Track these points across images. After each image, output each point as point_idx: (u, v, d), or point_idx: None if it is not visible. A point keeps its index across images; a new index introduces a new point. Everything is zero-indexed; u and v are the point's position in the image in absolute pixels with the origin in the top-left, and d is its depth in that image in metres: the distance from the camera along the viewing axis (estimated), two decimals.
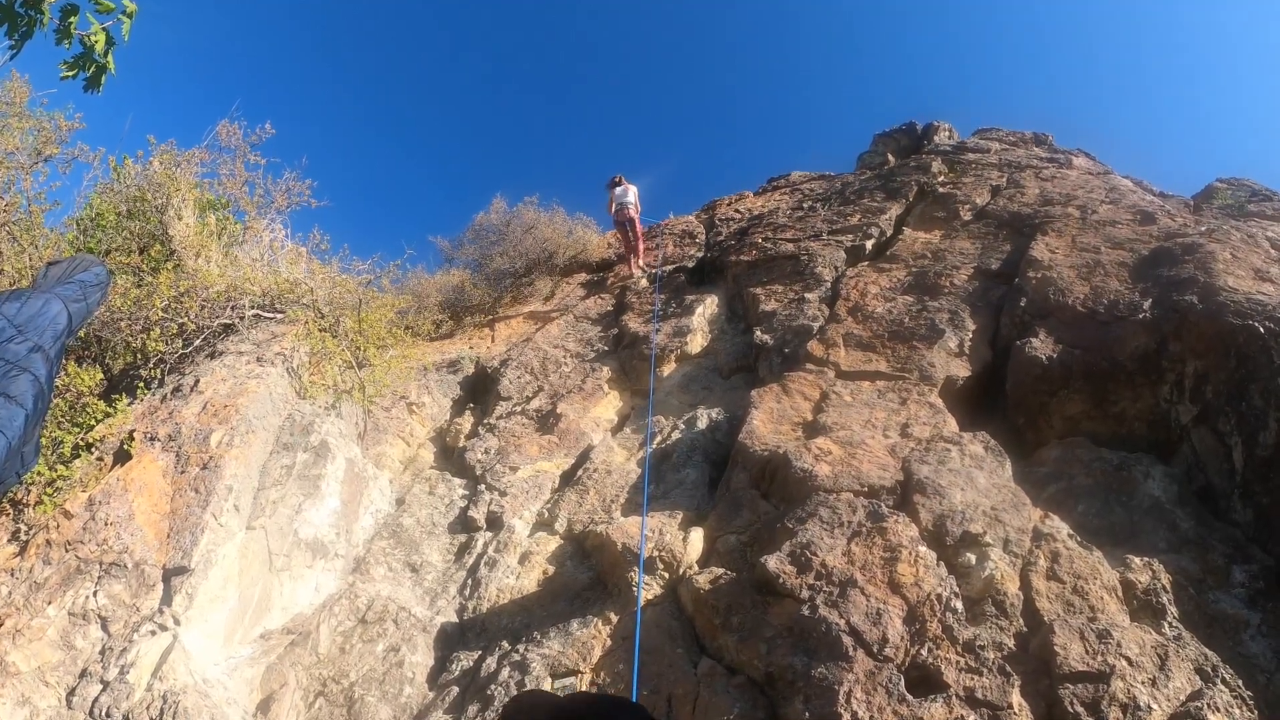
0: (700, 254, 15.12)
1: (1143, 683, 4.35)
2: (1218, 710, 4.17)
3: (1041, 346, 7.43)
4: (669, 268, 14.59)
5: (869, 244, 11.72)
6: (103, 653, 5.78)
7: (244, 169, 12.76)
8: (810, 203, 14.97)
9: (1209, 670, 4.52)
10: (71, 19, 3.76)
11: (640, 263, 15.63)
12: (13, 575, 5.98)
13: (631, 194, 15.83)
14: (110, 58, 3.98)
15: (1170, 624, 4.90)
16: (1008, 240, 9.98)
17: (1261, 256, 7.64)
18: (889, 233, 12.05)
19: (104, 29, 3.88)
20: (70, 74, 3.95)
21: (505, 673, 5.82)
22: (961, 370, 7.90)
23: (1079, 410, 7.05)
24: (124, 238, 10.63)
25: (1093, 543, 5.52)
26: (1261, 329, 6.12)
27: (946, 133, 18.31)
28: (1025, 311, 8.07)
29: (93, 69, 3.98)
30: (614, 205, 15.93)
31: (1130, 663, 4.46)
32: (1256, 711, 4.28)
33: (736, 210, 17.05)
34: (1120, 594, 5.08)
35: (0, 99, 10.00)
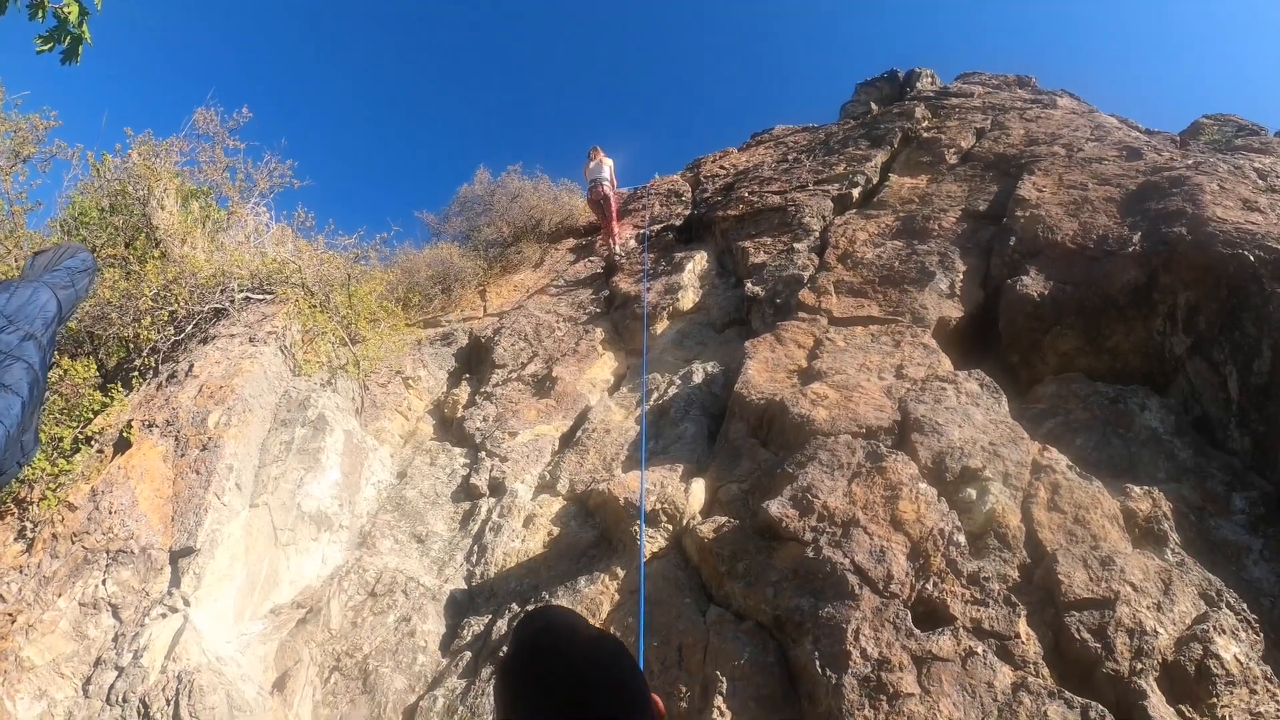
0: (687, 212, 15.06)
1: (1148, 608, 4.38)
2: (1224, 633, 4.20)
3: (1032, 284, 7.43)
4: (657, 227, 14.56)
5: (855, 192, 11.70)
6: (115, 639, 5.82)
7: (224, 155, 12.78)
8: (795, 155, 14.92)
9: (1213, 595, 4.56)
10: None
11: (616, 243, 14.75)
12: (21, 572, 6.00)
13: (606, 169, 15.13)
14: (85, 28, 3.96)
15: (1173, 550, 4.93)
16: (994, 182, 9.96)
17: (1249, 187, 7.62)
18: (875, 180, 12.03)
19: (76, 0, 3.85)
20: (46, 47, 3.93)
21: None
22: (954, 311, 7.91)
23: (1073, 346, 7.05)
24: (109, 233, 10.60)
25: (1092, 475, 5.54)
26: (1251, 257, 6.12)
27: (929, 79, 18.22)
28: (1015, 251, 8.06)
29: (68, 40, 3.95)
30: (588, 182, 15.35)
31: (1135, 588, 4.50)
32: (1262, 635, 4.31)
33: (721, 167, 16.99)
34: (1122, 522, 5.11)
35: None
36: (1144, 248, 7.05)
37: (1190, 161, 8.60)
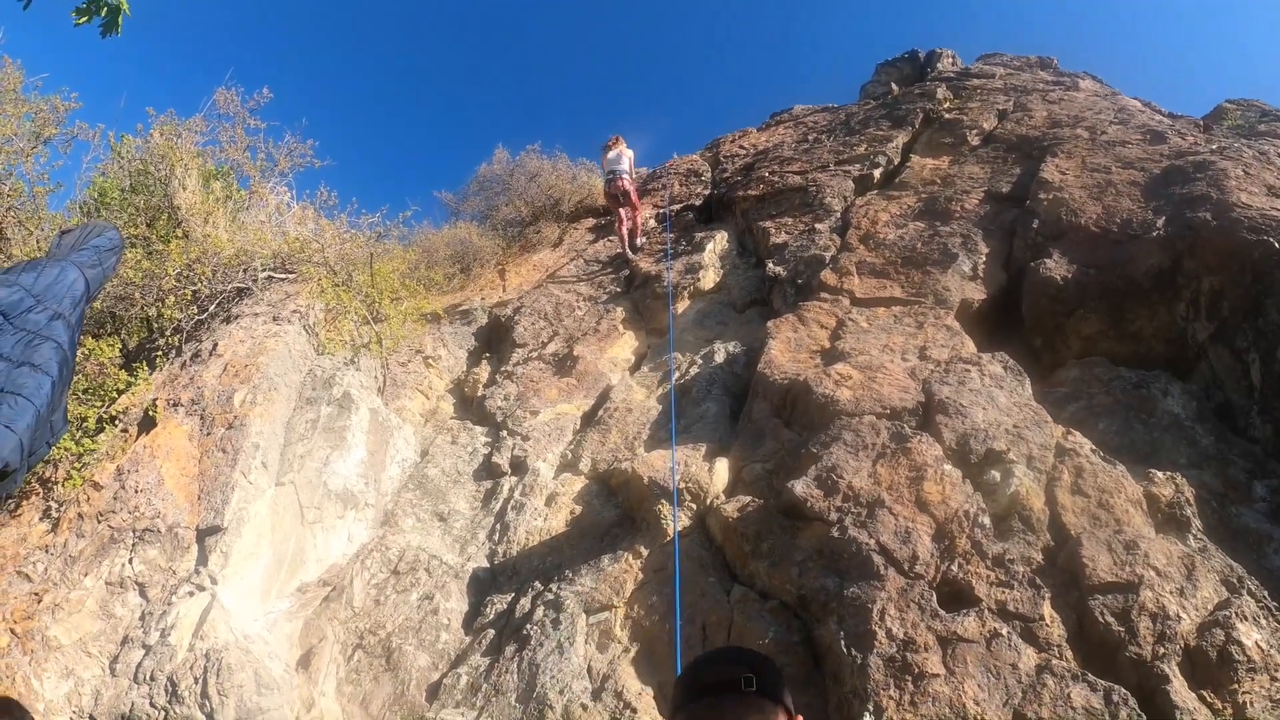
0: (707, 192, 14.98)
1: (1171, 592, 4.43)
2: (1246, 619, 4.25)
3: (1056, 267, 7.44)
4: (677, 206, 14.50)
5: (877, 173, 11.68)
6: (143, 618, 5.89)
7: (244, 135, 12.88)
8: (815, 135, 14.85)
9: (1235, 581, 4.61)
10: None
11: (638, 239, 13.35)
12: (47, 551, 6.06)
13: (626, 160, 13.74)
14: None
15: (1195, 536, 4.97)
16: (1017, 164, 9.93)
17: (1274, 174, 7.59)
18: (896, 161, 11.98)
19: None
20: (84, 19, 3.96)
21: (540, 612, 5.92)
22: (976, 293, 7.92)
23: (1096, 330, 7.07)
24: (130, 213, 10.68)
25: (1115, 459, 5.57)
26: (1276, 244, 6.14)
27: (950, 60, 18.08)
28: (1038, 233, 8.06)
29: (106, 11, 3.98)
30: (605, 172, 13.92)
31: (1158, 573, 4.55)
32: None
33: (741, 146, 16.92)
34: (1145, 507, 5.15)
35: None
36: (1168, 232, 7.05)
37: (1215, 146, 8.58)
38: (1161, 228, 7.14)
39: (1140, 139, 9.25)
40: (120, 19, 4.04)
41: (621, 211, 13.62)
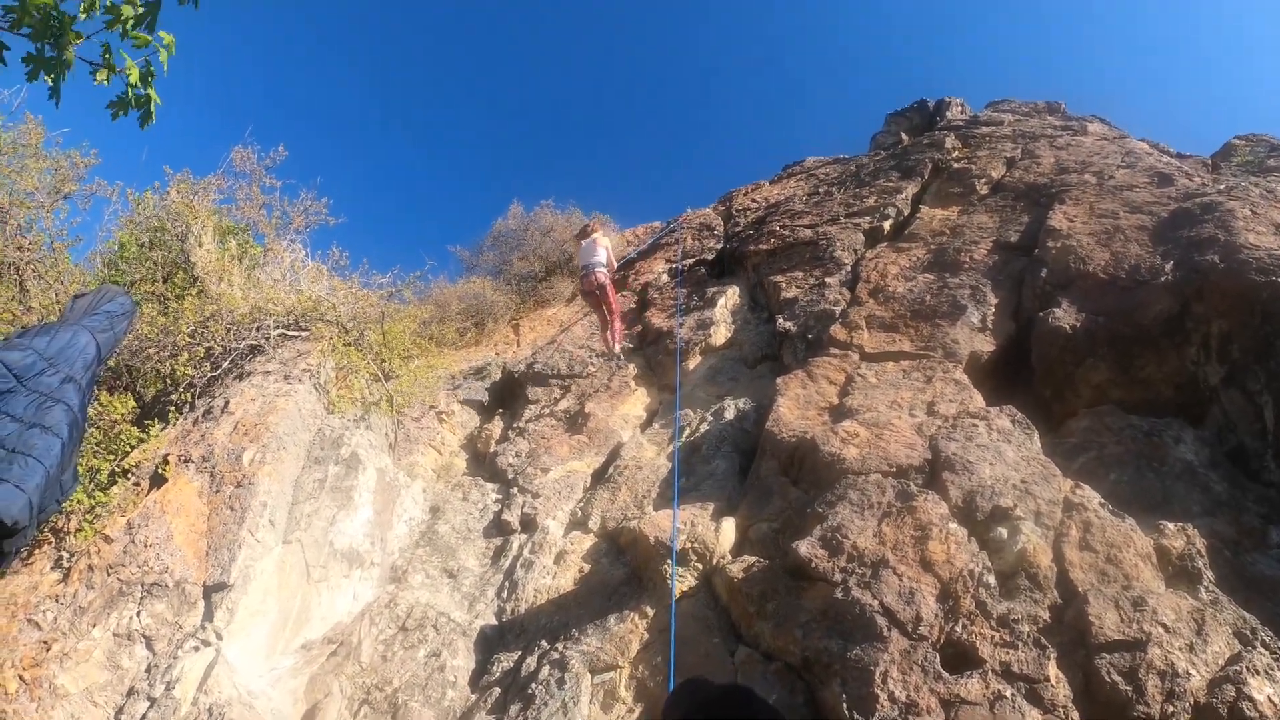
0: (719, 246, 15.01)
1: (1180, 649, 4.33)
2: (1258, 673, 4.14)
3: (1064, 316, 7.39)
4: (689, 261, 14.55)
5: (887, 224, 11.68)
6: (148, 670, 5.92)
7: (260, 192, 13.14)
8: (826, 187, 14.90)
9: (1248, 633, 4.50)
10: (107, 55, 3.84)
11: (616, 342, 12.21)
12: (57, 601, 6.12)
13: (602, 251, 12.85)
14: (153, 89, 4.06)
15: (1207, 588, 4.87)
16: (1026, 212, 9.91)
17: None
18: (906, 212, 11.99)
19: (144, 61, 3.96)
20: (120, 112, 4.03)
21: (545, 671, 5.88)
22: (986, 345, 7.86)
23: (1106, 378, 6.99)
24: (147, 267, 10.83)
25: (1126, 511, 5.48)
26: None
27: (958, 108, 18.16)
28: (1046, 282, 8.02)
29: (140, 104, 4.06)
30: (580, 265, 13.07)
31: (1167, 629, 4.45)
32: None
33: (753, 200, 16.98)
34: (1155, 560, 5.05)
35: (16, 141, 10.22)
36: (1176, 276, 7.00)
37: (1222, 186, 8.54)
38: (1170, 272, 7.09)
39: (1148, 182, 9.21)
40: (153, 108, 4.11)
41: (601, 310, 12.69)
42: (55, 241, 10.00)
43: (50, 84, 3.72)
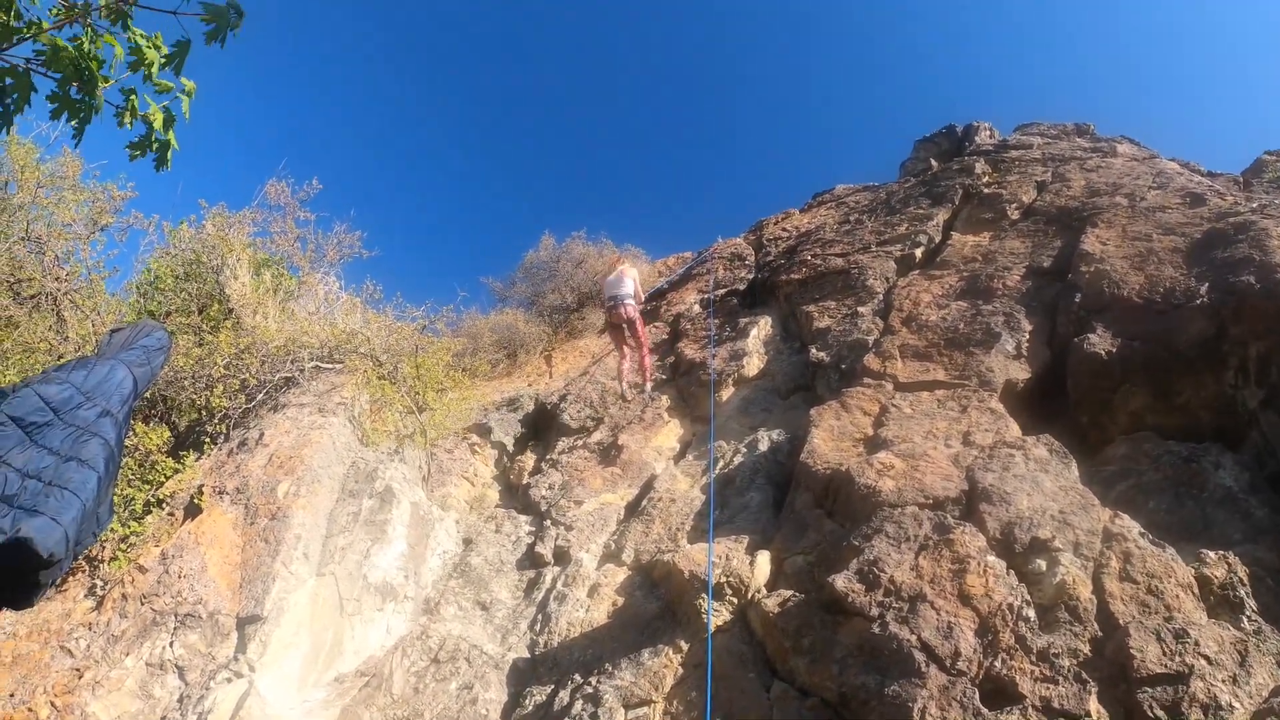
0: (751, 276, 15.03)
1: (1223, 681, 4.27)
2: None
3: (1099, 342, 7.33)
4: (721, 292, 14.57)
5: (918, 252, 11.65)
6: (180, 701, 6.01)
7: (294, 225, 13.43)
8: (857, 215, 14.88)
9: None
10: (131, 99, 3.93)
11: (648, 379, 11.95)
12: (90, 629, 6.22)
13: (630, 283, 12.34)
14: (172, 135, 4.14)
15: (1249, 618, 4.79)
16: (1057, 236, 9.85)
17: None
18: (937, 239, 11.95)
19: (164, 107, 4.04)
20: (138, 154, 4.11)
21: (578, 706, 5.87)
22: (1020, 373, 7.81)
23: (1142, 404, 6.93)
24: (183, 299, 11.04)
25: (1165, 539, 5.41)
26: None
27: (987, 132, 18.10)
28: (1080, 307, 7.96)
29: (157, 148, 4.13)
30: (606, 298, 12.50)
31: (1209, 661, 4.38)
32: None
33: (784, 229, 17.00)
34: (1196, 590, 4.99)
35: (55, 174, 10.44)
36: (1211, 299, 6.93)
37: (1255, 205, 8.46)
38: (1205, 294, 7.02)
39: (1180, 203, 9.14)
40: (170, 154, 4.19)
41: (627, 345, 12.32)
42: (92, 273, 10.23)
43: (75, 127, 3.79)
